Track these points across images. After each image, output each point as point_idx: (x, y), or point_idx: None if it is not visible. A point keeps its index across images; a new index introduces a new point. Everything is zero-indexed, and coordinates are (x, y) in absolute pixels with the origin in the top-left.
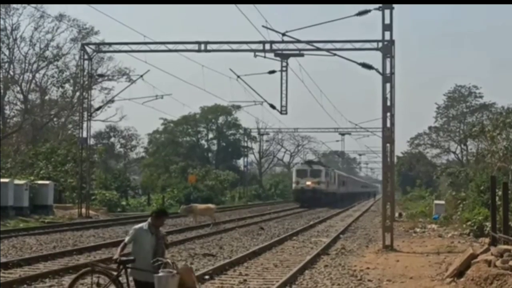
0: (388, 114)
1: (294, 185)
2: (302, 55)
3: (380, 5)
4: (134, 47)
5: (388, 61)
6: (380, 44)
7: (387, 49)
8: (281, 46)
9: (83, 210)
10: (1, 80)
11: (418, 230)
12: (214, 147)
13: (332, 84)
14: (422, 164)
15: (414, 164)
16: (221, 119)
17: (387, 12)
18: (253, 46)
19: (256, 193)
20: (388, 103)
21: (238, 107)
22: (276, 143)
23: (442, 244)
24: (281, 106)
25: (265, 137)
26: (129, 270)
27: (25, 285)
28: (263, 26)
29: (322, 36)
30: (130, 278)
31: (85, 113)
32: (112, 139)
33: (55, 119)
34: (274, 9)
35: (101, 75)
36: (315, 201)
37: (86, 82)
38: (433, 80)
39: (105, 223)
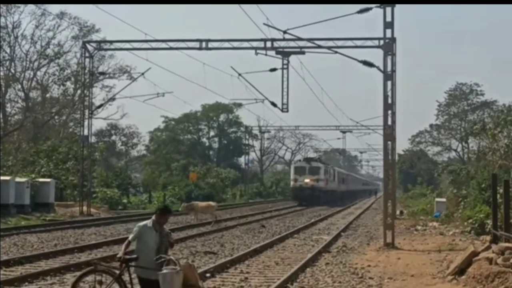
0: (389, 111)
1: (292, 183)
2: (303, 52)
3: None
4: (135, 45)
5: (389, 58)
6: (381, 42)
7: (388, 46)
8: (282, 43)
9: (84, 208)
10: (3, 78)
11: (419, 228)
12: (215, 145)
13: (333, 82)
14: (423, 161)
15: (415, 161)
16: (222, 117)
17: (388, 10)
18: (254, 44)
19: (257, 191)
20: (389, 101)
21: (239, 105)
22: (277, 141)
23: (443, 242)
24: (282, 104)
25: (266, 135)
26: (132, 268)
27: (26, 283)
28: (264, 24)
29: (323, 34)
30: (134, 276)
31: (86, 111)
32: (113, 137)
33: (56, 117)
34: (275, 7)
35: (102, 73)
36: (313, 199)
37: (87, 80)
38: (434, 78)
39: (106, 221)
